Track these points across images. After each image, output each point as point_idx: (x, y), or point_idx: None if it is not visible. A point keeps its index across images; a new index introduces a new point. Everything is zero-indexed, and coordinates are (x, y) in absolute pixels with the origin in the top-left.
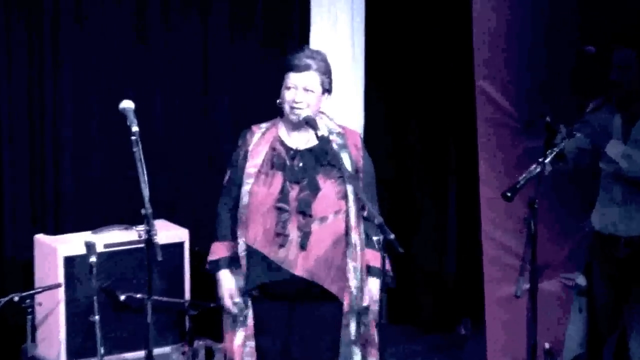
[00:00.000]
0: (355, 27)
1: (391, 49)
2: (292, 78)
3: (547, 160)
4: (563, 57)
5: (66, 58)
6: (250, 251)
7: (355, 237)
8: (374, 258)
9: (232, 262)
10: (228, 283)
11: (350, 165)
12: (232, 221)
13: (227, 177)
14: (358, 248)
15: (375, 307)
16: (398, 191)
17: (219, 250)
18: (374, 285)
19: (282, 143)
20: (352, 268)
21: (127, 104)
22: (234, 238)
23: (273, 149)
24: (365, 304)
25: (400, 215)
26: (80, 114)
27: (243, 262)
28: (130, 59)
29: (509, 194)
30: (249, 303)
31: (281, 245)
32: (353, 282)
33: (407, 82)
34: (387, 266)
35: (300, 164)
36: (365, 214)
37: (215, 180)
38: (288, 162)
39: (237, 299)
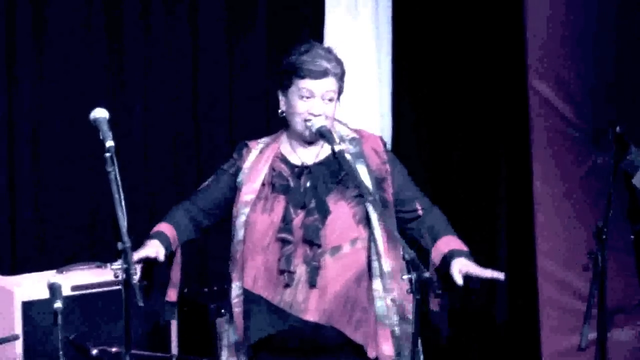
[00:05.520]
0: (380, 19)
1: (424, 44)
2: (307, 85)
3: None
4: (637, 50)
5: (23, 62)
6: (249, 297)
7: (388, 264)
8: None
9: (165, 242)
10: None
11: (369, 178)
12: (188, 223)
13: (205, 183)
14: (398, 276)
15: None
16: None
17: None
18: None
19: (285, 160)
20: (390, 301)
21: (100, 113)
22: (179, 228)
23: (273, 168)
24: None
25: None
26: (41, 127)
27: (237, 309)
28: (103, 64)
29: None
30: None
31: (287, 285)
32: (394, 318)
33: (445, 86)
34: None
35: (308, 184)
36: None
37: None
38: (292, 183)
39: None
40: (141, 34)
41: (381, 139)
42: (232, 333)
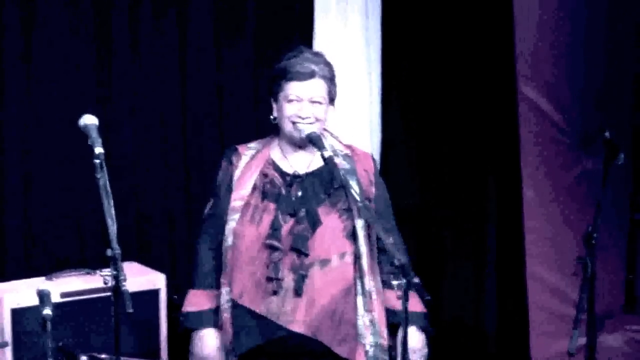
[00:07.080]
0: (370, 26)
1: (414, 50)
2: (295, 88)
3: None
4: (626, 56)
5: (10, 67)
6: (237, 305)
7: (371, 284)
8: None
9: (217, 317)
10: (212, 344)
11: (359, 194)
12: (216, 264)
13: (208, 208)
14: (374, 296)
15: None
16: (422, 224)
17: (199, 300)
18: (415, 337)
19: (276, 167)
20: (369, 322)
21: (89, 120)
22: (217, 286)
23: (265, 174)
24: None
25: (425, 255)
26: (29, 132)
27: (226, 315)
28: (92, 71)
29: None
30: None
31: (274, 292)
32: (369, 339)
33: (434, 92)
34: (419, 307)
35: (299, 193)
36: (378, 252)
37: (198, 214)
38: (284, 191)
39: None
40: (130, 39)
41: (372, 158)
42: (221, 337)
